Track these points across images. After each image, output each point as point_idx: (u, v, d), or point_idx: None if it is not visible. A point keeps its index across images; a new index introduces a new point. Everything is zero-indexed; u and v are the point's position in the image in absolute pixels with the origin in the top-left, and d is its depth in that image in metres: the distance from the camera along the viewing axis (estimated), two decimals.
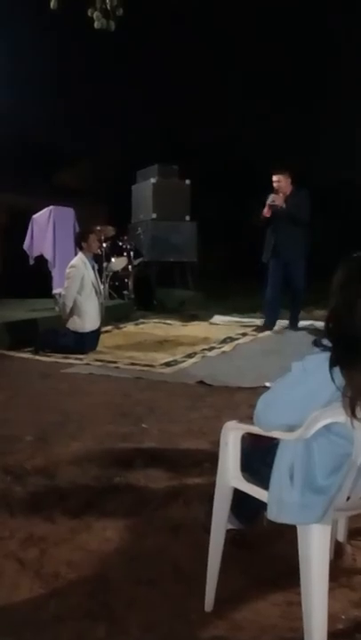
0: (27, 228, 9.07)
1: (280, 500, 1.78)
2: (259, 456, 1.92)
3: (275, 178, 7.54)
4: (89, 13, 6.01)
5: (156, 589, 2.15)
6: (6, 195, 11.35)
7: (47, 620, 2.00)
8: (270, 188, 7.56)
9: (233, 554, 2.15)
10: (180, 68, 15.11)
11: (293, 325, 7.70)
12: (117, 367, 5.84)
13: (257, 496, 1.91)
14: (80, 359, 6.17)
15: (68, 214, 9.05)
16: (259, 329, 7.67)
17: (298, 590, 1.82)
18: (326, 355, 1.73)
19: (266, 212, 7.45)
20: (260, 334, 7.41)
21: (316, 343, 1.77)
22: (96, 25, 5.99)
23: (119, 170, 13.36)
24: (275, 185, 7.52)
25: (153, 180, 11.17)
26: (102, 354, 6.45)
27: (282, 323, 7.92)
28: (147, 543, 2.48)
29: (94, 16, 5.97)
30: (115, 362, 6.04)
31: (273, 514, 1.82)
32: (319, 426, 1.72)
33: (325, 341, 1.77)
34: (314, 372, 1.75)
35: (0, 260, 10.96)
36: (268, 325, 7.70)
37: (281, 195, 7.43)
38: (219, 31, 15.04)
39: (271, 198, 7.41)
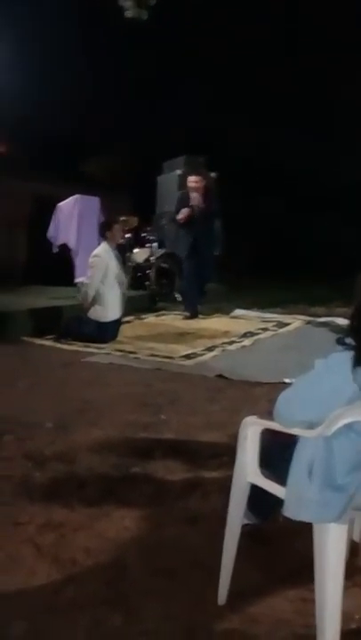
0: (51, 217, 9.11)
1: (298, 497, 1.79)
2: (277, 452, 1.93)
3: None
4: (121, 2, 6.02)
5: (173, 580, 2.17)
6: (33, 183, 11.44)
7: (63, 606, 2.03)
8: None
9: (248, 548, 2.16)
10: (214, 59, 15.04)
11: None
12: (137, 358, 5.86)
13: (274, 492, 1.92)
14: (101, 348, 6.21)
15: (93, 203, 9.07)
16: None
17: (312, 587, 1.82)
18: (350, 353, 1.73)
19: None
20: (281, 330, 7.40)
21: (340, 341, 1.77)
22: (128, 14, 6.00)
23: (146, 160, 13.35)
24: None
25: (179, 172, 11.13)
26: (123, 344, 6.48)
27: (302, 318, 7.89)
28: (164, 533, 2.50)
29: (127, 5, 5.98)
30: (135, 352, 6.06)
31: (290, 511, 1.82)
32: (341, 424, 1.72)
33: (349, 340, 1.77)
34: (337, 370, 1.75)
35: (25, 248, 11.07)
36: None
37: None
38: (254, 29, 14.92)
39: None
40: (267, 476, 1.97)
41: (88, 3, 6.05)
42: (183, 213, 8.11)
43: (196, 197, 8.15)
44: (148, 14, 6.14)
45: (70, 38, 14.09)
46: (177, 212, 8.31)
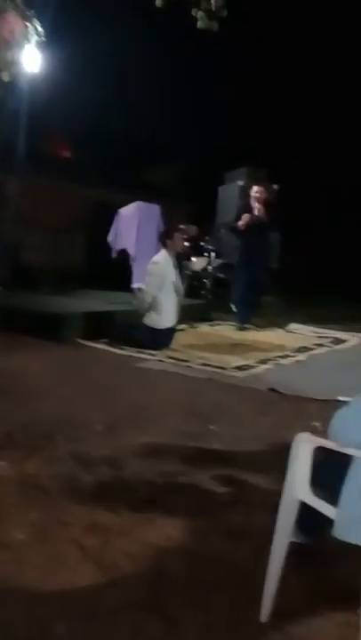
0: (112, 222, 9.23)
1: (349, 518, 1.74)
2: (330, 471, 1.88)
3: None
4: (193, 13, 6.06)
5: (215, 593, 2.14)
6: (95, 189, 11.63)
7: (103, 610, 2.01)
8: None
9: (294, 567, 2.11)
10: (286, 73, 15.02)
11: None
12: (189, 366, 5.85)
13: (325, 512, 1.87)
14: (153, 355, 6.22)
15: (153, 211, 9.15)
16: None
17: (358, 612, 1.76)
18: None
19: None
20: (337, 347, 7.27)
21: None
22: (199, 25, 6.04)
23: (208, 171, 13.40)
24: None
25: (240, 183, 11.12)
26: (176, 352, 6.48)
27: (359, 335, 7.74)
28: (207, 545, 2.47)
29: (198, 16, 6.01)
30: (187, 361, 6.05)
31: (340, 532, 1.77)
32: None
33: None
34: None
35: (84, 252, 11.23)
36: None
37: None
38: (324, 38, 14.83)
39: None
40: (318, 495, 1.92)
41: (160, 14, 6.08)
42: (244, 219, 8.10)
43: (258, 208, 8.19)
44: (217, 26, 6.16)
45: (140, 49, 14.30)
46: (237, 220, 8.30)
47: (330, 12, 14.15)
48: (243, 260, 8.35)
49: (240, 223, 8.17)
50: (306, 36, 14.83)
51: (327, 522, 1.85)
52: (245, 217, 8.13)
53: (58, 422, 3.82)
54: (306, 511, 1.99)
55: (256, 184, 8.65)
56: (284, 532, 2.03)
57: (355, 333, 7.96)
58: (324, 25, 14.62)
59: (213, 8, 5.96)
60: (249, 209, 8.29)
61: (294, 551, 2.11)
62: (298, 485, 1.99)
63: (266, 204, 8.29)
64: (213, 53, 12.68)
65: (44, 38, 8.40)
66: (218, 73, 15.00)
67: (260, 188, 8.41)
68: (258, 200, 8.26)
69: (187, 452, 3.48)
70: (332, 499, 1.83)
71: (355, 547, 1.77)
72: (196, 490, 2.99)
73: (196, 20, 6.12)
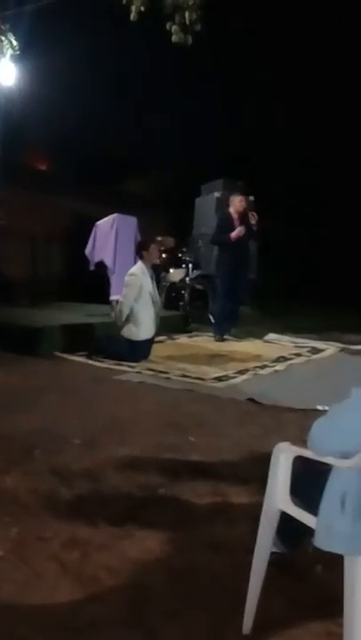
0: (90, 235, 9.21)
1: (329, 527, 1.74)
2: (310, 481, 1.88)
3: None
4: (167, 27, 6.10)
5: (196, 605, 2.13)
6: (72, 200, 11.60)
7: (83, 624, 2.00)
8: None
9: (275, 578, 2.11)
10: (257, 86, 15.18)
11: None
12: (168, 378, 5.84)
13: (305, 521, 1.87)
14: (132, 367, 6.21)
15: (130, 223, 9.15)
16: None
17: (339, 621, 1.77)
18: None
19: None
20: (315, 356, 7.31)
21: None
22: (173, 38, 6.08)
23: (184, 182, 13.47)
24: None
25: (217, 194, 11.18)
26: (154, 363, 6.48)
27: (336, 345, 7.80)
28: (188, 557, 2.46)
29: (172, 30, 6.05)
30: (166, 372, 6.05)
31: (320, 541, 1.77)
32: None
33: None
34: None
35: (62, 265, 11.19)
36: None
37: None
38: (294, 55, 15.05)
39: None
40: (298, 505, 1.92)
41: (133, 27, 6.12)
42: (239, 232, 8.07)
43: (252, 216, 8.18)
44: (191, 40, 6.20)
45: (116, 62, 14.36)
46: (222, 231, 8.26)
47: (303, 27, 14.38)
48: (225, 270, 8.32)
49: (233, 235, 8.11)
50: (280, 49, 15.00)
51: (308, 532, 1.85)
52: (240, 230, 8.07)
53: (36, 436, 3.80)
54: (286, 521, 1.99)
55: (235, 194, 8.67)
56: (265, 543, 2.03)
57: (332, 343, 8.02)
58: (298, 38, 14.83)
59: (188, 22, 6.00)
60: (230, 220, 8.29)
61: (275, 561, 2.11)
62: (278, 495, 1.99)
63: (246, 214, 8.30)
64: (189, 66, 12.77)
65: (18, 52, 8.42)
66: (193, 86, 15.12)
67: (243, 197, 8.43)
68: (242, 210, 8.23)
69: (166, 464, 3.47)
70: (313, 508, 1.83)
71: (336, 556, 1.77)
72: (175, 502, 2.98)
73: (170, 33, 6.15)
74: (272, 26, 14.60)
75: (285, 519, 1.99)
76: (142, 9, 5.99)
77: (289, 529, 2.02)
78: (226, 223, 8.32)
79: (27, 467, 3.30)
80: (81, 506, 2.87)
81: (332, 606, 1.89)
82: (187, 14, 6.05)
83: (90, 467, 3.35)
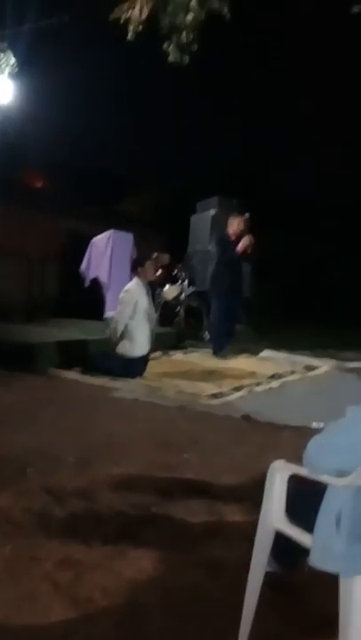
0: (85, 252, 9.23)
1: (324, 547, 1.73)
2: (305, 499, 1.87)
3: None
4: (164, 47, 6.14)
5: (190, 626, 2.11)
6: (67, 218, 11.64)
7: None
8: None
9: (270, 598, 2.09)
10: (252, 107, 15.34)
11: None
12: (163, 395, 5.82)
13: (300, 541, 1.86)
14: (127, 383, 6.19)
15: (126, 239, 9.18)
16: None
17: None
18: None
19: None
20: (310, 373, 7.31)
21: None
22: (170, 59, 6.11)
23: (180, 200, 13.54)
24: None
25: (212, 212, 11.24)
26: (149, 380, 6.46)
27: (331, 362, 7.80)
28: (182, 577, 2.44)
29: (169, 49, 6.09)
30: (160, 389, 6.03)
31: (316, 561, 1.76)
32: None
33: None
34: None
35: (57, 281, 11.20)
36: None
37: None
38: (291, 72, 15.21)
39: None
40: (293, 524, 1.91)
41: (130, 48, 6.17)
42: (244, 244, 8.10)
43: (248, 239, 8.19)
44: (188, 60, 6.24)
45: (113, 81, 14.49)
46: (226, 249, 8.26)
47: (299, 40, 14.54)
48: (221, 288, 8.29)
49: (239, 248, 8.13)
50: (276, 66, 15.17)
51: (303, 551, 1.84)
52: (245, 241, 8.09)
53: (30, 454, 3.77)
54: (282, 540, 1.98)
55: (232, 215, 8.64)
56: (260, 562, 2.02)
57: (326, 360, 8.02)
58: (294, 53, 14.98)
59: (184, 42, 6.04)
60: (229, 240, 8.29)
61: (269, 581, 2.09)
62: (273, 514, 1.98)
63: (242, 233, 8.30)
64: (186, 85, 12.90)
65: (16, 69, 8.49)
66: (190, 104, 15.26)
67: (241, 219, 8.42)
68: (242, 232, 8.24)
69: (161, 483, 3.45)
70: (308, 527, 1.82)
71: (331, 576, 1.76)
72: (170, 521, 2.96)
73: (167, 53, 6.20)
74: (269, 43, 14.75)
75: (281, 538, 1.97)
76: (139, 29, 6.04)
77: (284, 548, 2.00)
78: (225, 242, 8.31)
79: (20, 485, 3.27)
80: (75, 525, 2.85)
81: (328, 627, 1.87)
82: (183, 34, 6.09)
83: (84, 485, 3.32)
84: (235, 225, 8.35)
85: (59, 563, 2.48)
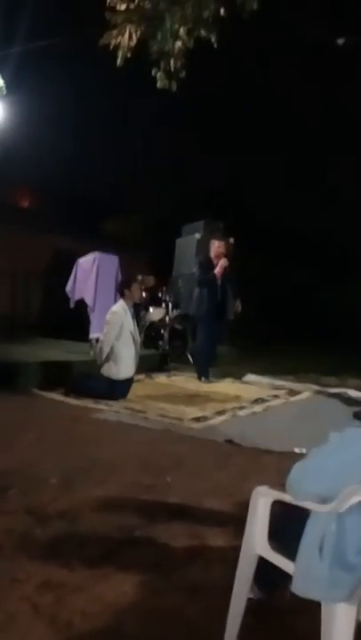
0: (70, 272, 9.23)
1: (307, 573, 1.74)
2: (288, 525, 1.89)
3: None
4: (153, 73, 6.23)
5: None
6: (53, 237, 11.67)
7: None
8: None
9: (252, 623, 2.09)
10: (239, 131, 15.53)
11: None
12: (146, 418, 5.82)
13: (283, 567, 1.87)
14: (110, 405, 6.18)
15: (112, 261, 9.20)
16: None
17: None
18: None
19: None
20: (292, 398, 7.34)
21: (358, 416, 1.76)
22: (158, 85, 6.19)
23: (165, 223, 13.64)
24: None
25: (198, 236, 11.32)
26: (132, 402, 6.45)
27: (313, 387, 7.84)
28: (164, 602, 2.43)
29: (157, 76, 6.18)
30: (144, 412, 6.02)
31: (298, 587, 1.77)
32: (354, 501, 1.69)
33: None
34: (352, 445, 1.73)
35: (42, 301, 11.18)
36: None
37: None
38: (277, 100, 15.45)
39: None
40: (276, 550, 1.92)
41: (119, 71, 6.23)
42: (221, 266, 8.19)
43: (225, 261, 8.29)
44: (176, 86, 6.32)
45: (101, 104, 14.63)
46: (205, 271, 8.33)
47: (283, 69, 14.80)
48: (208, 312, 8.32)
49: (217, 270, 8.22)
50: (262, 92, 15.42)
51: (286, 577, 1.85)
52: (222, 263, 8.19)
53: (12, 475, 3.75)
54: (264, 566, 1.99)
55: (215, 238, 8.78)
56: (242, 588, 2.02)
57: (308, 385, 8.06)
58: (281, 81, 15.23)
59: (172, 69, 6.13)
60: (210, 262, 8.39)
61: (251, 607, 2.10)
62: (256, 540, 1.98)
63: (226, 256, 8.40)
64: (173, 110, 13.05)
65: (5, 91, 8.56)
66: (177, 128, 15.42)
67: (222, 243, 8.54)
68: (220, 255, 8.35)
69: (143, 506, 3.45)
70: (291, 553, 1.83)
71: (313, 602, 1.77)
72: (152, 544, 2.95)
73: (155, 79, 6.28)
74: (257, 70, 15.01)
75: (263, 564, 1.98)
76: (129, 55, 6.12)
77: (266, 574, 2.01)
78: (206, 264, 8.41)
79: (2, 506, 3.25)
80: (56, 547, 2.83)
81: None
82: (172, 61, 6.19)
83: (66, 507, 3.31)
84: (215, 248, 8.44)
85: (39, 585, 2.46)
